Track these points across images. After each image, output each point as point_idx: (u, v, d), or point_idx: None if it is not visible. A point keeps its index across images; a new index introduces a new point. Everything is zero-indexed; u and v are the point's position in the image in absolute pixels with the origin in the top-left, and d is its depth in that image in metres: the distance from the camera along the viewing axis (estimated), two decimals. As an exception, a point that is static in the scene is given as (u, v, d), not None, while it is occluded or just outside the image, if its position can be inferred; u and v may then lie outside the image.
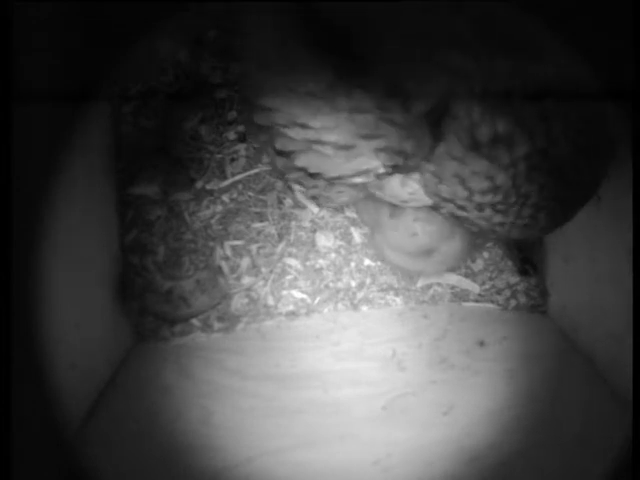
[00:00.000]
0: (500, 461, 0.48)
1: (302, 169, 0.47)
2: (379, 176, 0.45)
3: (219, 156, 0.69)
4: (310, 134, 0.44)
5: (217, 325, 0.68)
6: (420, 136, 0.42)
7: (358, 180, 0.46)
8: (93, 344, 0.57)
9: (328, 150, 0.44)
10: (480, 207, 0.44)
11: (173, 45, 0.69)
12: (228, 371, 0.61)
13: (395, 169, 0.45)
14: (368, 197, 0.52)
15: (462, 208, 0.45)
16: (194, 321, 0.68)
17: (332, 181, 0.48)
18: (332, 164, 0.45)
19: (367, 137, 0.43)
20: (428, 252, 0.64)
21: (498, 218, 0.44)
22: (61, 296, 0.49)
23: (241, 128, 0.69)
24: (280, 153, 0.48)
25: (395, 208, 0.60)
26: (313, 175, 0.47)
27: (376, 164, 0.44)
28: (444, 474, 0.47)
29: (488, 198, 0.43)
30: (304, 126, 0.44)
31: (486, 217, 0.44)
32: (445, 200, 0.45)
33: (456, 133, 0.41)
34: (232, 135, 0.69)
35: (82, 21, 0.54)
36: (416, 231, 0.61)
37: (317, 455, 0.50)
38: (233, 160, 0.70)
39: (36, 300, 0.44)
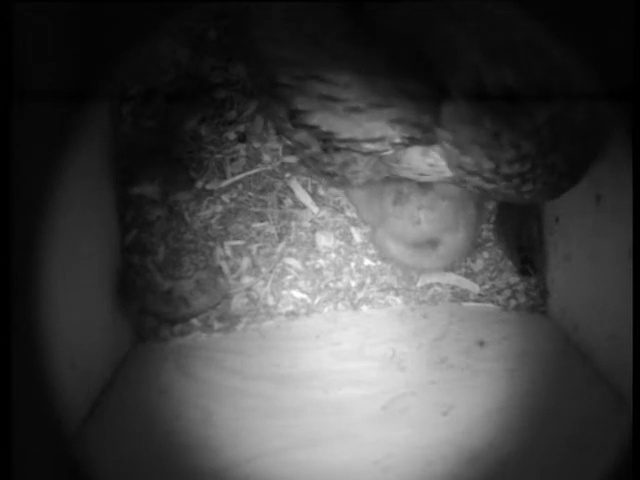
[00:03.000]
0: (500, 461, 0.48)
1: (315, 127, 0.47)
2: (395, 146, 0.45)
3: (219, 156, 0.69)
4: (324, 88, 0.44)
5: (217, 325, 0.68)
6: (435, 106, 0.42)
7: (371, 147, 0.46)
8: (93, 344, 0.57)
9: (340, 109, 0.44)
10: (508, 177, 0.43)
11: (173, 45, 0.69)
12: (228, 371, 0.61)
13: (413, 141, 0.44)
14: (376, 187, 0.51)
15: (489, 180, 0.44)
16: (194, 321, 0.68)
17: (345, 145, 0.47)
18: (345, 125, 0.45)
19: (379, 106, 0.43)
20: (431, 244, 0.63)
21: (527, 186, 0.43)
22: (61, 296, 0.49)
23: (241, 128, 0.69)
24: (296, 116, 0.47)
25: (399, 195, 0.60)
26: (326, 139, 0.47)
27: (391, 133, 0.44)
28: (444, 474, 0.47)
29: (516, 168, 0.42)
30: (318, 78, 0.44)
31: (514, 186, 0.44)
32: (470, 173, 0.45)
33: (460, 86, 0.41)
34: (232, 135, 0.69)
35: (82, 21, 0.54)
36: (420, 219, 0.61)
37: (317, 455, 0.50)
38: (233, 160, 0.70)
39: (36, 300, 0.44)
